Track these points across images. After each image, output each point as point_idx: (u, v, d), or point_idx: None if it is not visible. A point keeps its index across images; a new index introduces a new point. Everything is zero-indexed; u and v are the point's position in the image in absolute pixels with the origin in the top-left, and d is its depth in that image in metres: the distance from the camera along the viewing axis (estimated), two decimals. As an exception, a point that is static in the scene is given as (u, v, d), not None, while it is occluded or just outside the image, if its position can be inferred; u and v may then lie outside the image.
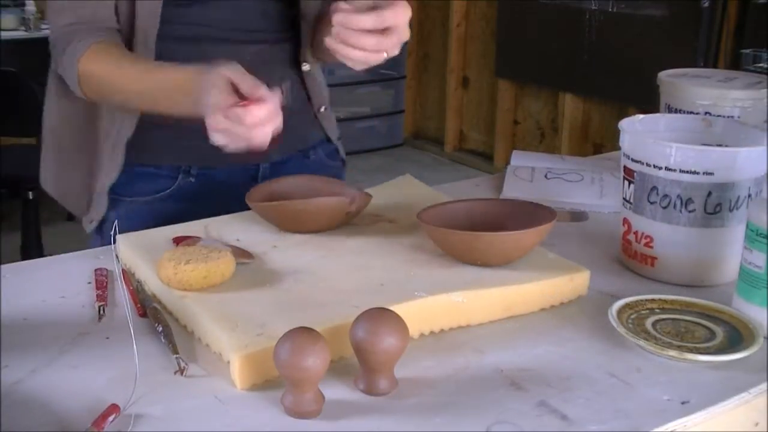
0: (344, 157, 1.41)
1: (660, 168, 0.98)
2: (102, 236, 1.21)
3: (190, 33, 1.15)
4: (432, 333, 0.88)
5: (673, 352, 0.82)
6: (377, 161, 4.83)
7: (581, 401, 0.76)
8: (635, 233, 1.03)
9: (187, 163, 1.21)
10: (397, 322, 0.76)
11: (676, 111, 1.30)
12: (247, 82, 0.92)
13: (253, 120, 0.90)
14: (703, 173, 0.96)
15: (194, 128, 0.98)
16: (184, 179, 1.22)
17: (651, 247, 1.02)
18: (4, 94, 3.06)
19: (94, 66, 1.08)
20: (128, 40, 1.13)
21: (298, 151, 1.31)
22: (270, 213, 1.06)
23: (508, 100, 4.65)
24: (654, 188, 0.99)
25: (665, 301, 0.93)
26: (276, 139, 0.94)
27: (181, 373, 0.79)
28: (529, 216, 1.00)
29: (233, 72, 0.93)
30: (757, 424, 0.82)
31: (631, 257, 1.05)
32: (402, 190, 1.21)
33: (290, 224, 1.05)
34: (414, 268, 0.96)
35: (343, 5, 0.97)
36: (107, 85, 1.10)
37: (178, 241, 1.02)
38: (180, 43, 1.13)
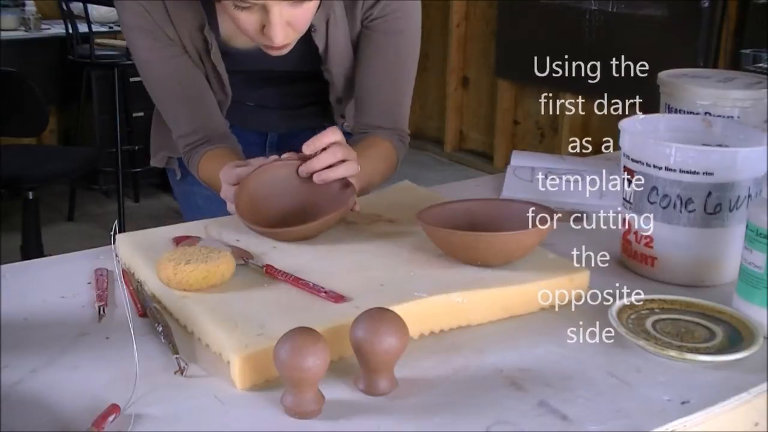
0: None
1: (660, 168, 0.98)
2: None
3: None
4: (432, 333, 0.88)
5: (673, 352, 0.82)
6: (377, 161, 4.82)
7: (581, 401, 0.76)
8: (635, 233, 1.03)
9: None
10: (397, 322, 0.76)
11: (676, 111, 1.30)
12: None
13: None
14: (703, 173, 0.96)
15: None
16: None
17: (651, 247, 1.01)
18: (4, 94, 3.06)
19: (207, 180, 1.31)
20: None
21: (308, 129, 1.39)
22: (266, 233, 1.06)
23: (508, 100, 4.65)
24: (654, 188, 0.99)
25: (665, 301, 0.93)
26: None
27: (181, 373, 0.79)
28: (529, 216, 1.00)
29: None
30: (757, 424, 0.82)
31: (631, 257, 1.05)
32: (402, 193, 1.21)
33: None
34: (414, 268, 0.96)
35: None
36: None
37: (178, 241, 1.02)
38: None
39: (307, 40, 1.26)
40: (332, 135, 1.09)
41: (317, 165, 1.09)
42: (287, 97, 1.41)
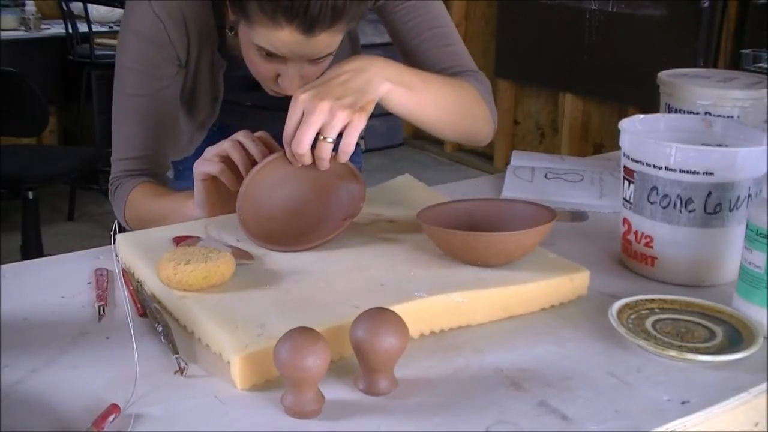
0: (362, 147, 1.49)
1: (660, 168, 0.98)
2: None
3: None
4: (432, 333, 0.88)
5: (673, 352, 0.82)
6: (377, 161, 4.84)
7: (581, 401, 0.76)
8: (635, 233, 1.03)
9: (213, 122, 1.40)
10: (397, 322, 0.76)
11: (676, 111, 1.30)
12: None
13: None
14: (703, 173, 0.96)
15: (224, 102, 1.33)
16: (209, 130, 1.41)
17: (651, 247, 1.02)
18: (4, 94, 3.06)
19: (136, 202, 1.26)
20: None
21: None
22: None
23: (508, 100, 4.65)
24: (654, 188, 0.99)
25: (665, 301, 0.93)
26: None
27: (181, 373, 0.79)
28: (529, 216, 1.00)
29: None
30: (756, 424, 0.82)
31: (631, 257, 1.05)
32: (402, 190, 1.21)
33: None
34: (414, 268, 0.96)
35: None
36: (143, 215, 1.26)
37: (178, 241, 1.02)
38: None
39: None
40: (299, 106, 0.99)
41: (321, 166, 1.02)
42: (282, 99, 1.40)
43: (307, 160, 1.01)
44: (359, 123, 0.99)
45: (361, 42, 1.48)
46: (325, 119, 0.98)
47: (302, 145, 0.99)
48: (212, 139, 1.38)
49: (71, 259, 1.07)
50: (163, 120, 1.27)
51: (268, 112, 1.41)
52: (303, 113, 0.99)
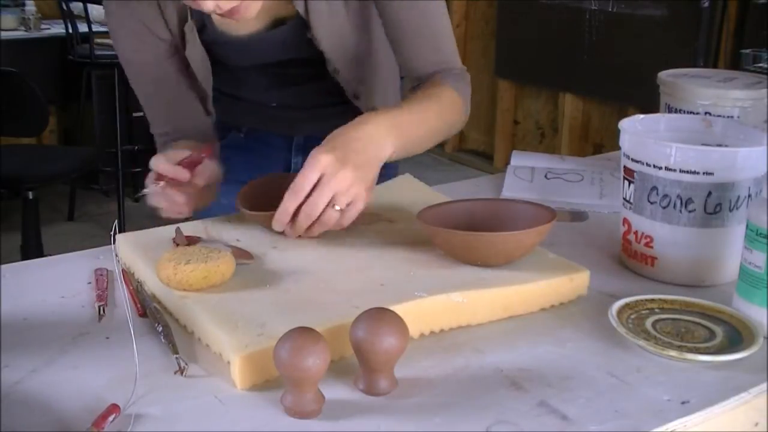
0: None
1: (660, 168, 0.98)
2: None
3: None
4: (432, 333, 0.88)
5: (673, 352, 0.82)
6: (377, 161, 4.83)
7: (581, 401, 0.76)
8: (635, 233, 1.03)
9: (240, 124, 1.44)
10: (397, 322, 0.76)
11: (676, 111, 1.31)
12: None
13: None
14: (703, 173, 0.96)
15: (250, 103, 1.38)
16: (235, 134, 1.44)
17: (651, 247, 1.02)
18: (4, 94, 3.06)
19: None
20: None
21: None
22: (262, 220, 1.05)
23: (508, 100, 4.65)
24: (654, 188, 0.99)
25: (665, 301, 0.93)
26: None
27: (181, 373, 0.79)
28: (529, 216, 1.00)
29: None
30: (756, 424, 0.82)
31: (631, 257, 1.05)
32: (402, 190, 1.21)
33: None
34: (414, 268, 0.96)
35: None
36: None
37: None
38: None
39: (299, 20, 1.23)
40: (319, 169, 0.98)
41: (313, 232, 1.01)
42: (308, 96, 1.38)
43: (307, 223, 1.00)
44: (364, 203, 1.01)
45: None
46: (341, 188, 0.98)
47: (317, 208, 0.98)
48: (243, 145, 1.39)
49: (71, 259, 1.07)
50: (175, 88, 1.29)
51: (294, 111, 1.40)
52: (321, 176, 0.98)
